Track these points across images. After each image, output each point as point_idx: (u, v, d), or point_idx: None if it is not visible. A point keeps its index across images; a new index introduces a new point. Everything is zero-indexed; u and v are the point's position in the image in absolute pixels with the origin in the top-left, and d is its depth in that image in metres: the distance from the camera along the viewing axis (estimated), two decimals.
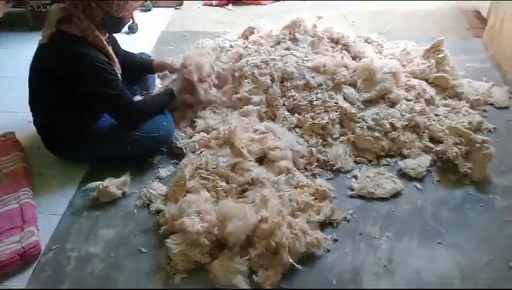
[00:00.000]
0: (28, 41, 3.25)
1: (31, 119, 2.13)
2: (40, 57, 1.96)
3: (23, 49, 3.16)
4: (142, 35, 3.44)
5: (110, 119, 2.08)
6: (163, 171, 2.12)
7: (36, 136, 2.21)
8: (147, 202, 1.97)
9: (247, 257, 1.65)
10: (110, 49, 1.98)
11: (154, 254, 1.76)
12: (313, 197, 1.89)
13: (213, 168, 1.94)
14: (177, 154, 2.19)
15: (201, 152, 2.06)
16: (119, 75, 2.00)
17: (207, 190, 1.87)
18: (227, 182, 1.91)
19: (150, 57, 2.60)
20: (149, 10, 3.82)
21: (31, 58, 2.00)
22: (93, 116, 2.08)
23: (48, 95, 1.97)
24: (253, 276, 1.63)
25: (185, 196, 1.85)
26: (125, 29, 3.34)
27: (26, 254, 1.71)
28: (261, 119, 2.25)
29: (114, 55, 2.00)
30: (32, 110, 2.07)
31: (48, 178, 2.16)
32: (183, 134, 2.26)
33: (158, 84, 2.67)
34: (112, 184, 1.97)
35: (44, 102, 2.00)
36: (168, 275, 1.67)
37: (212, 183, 1.89)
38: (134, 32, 3.44)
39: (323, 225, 1.83)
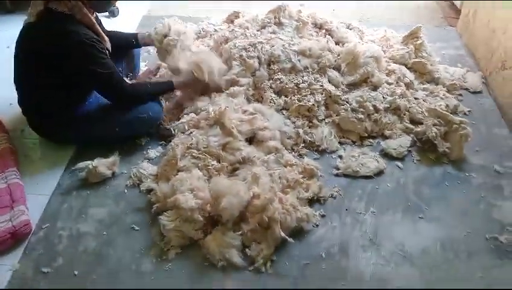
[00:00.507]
0: (5, 24, 3.18)
1: (12, 101, 2.08)
2: (26, 35, 1.93)
3: (1, 31, 3.07)
4: (123, 20, 3.40)
5: (98, 100, 2.07)
6: (152, 152, 2.13)
7: (19, 118, 2.18)
8: (137, 181, 1.98)
9: (240, 232, 1.70)
10: (98, 27, 1.97)
11: (147, 231, 1.78)
12: (301, 176, 1.95)
13: (204, 148, 1.96)
14: (165, 136, 2.20)
15: (191, 132, 2.07)
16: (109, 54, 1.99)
17: (198, 169, 1.89)
18: (219, 161, 1.94)
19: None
20: None
21: (10, 41, 1.97)
22: (82, 95, 2.06)
23: (36, 74, 1.93)
24: (246, 250, 1.68)
25: (177, 174, 1.87)
26: (105, 13, 3.30)
27: (17, 232, 1.71)
28: (248, 102, 2.28)
29: (103, 34, 1.99)
30: (18, 89, 2.03)
31: (34, 159, 2.14)
32: (170, 115, 2.27)
33: (143, 67, 2.67)
34: (102, 164, 1.97)
35: (32, 80, 1.97)
36: (162, 251, 1.70)
37: (203, 162, 1.91)
38: (115, 16, 3.39)
39: (311, 202, 1.90)
